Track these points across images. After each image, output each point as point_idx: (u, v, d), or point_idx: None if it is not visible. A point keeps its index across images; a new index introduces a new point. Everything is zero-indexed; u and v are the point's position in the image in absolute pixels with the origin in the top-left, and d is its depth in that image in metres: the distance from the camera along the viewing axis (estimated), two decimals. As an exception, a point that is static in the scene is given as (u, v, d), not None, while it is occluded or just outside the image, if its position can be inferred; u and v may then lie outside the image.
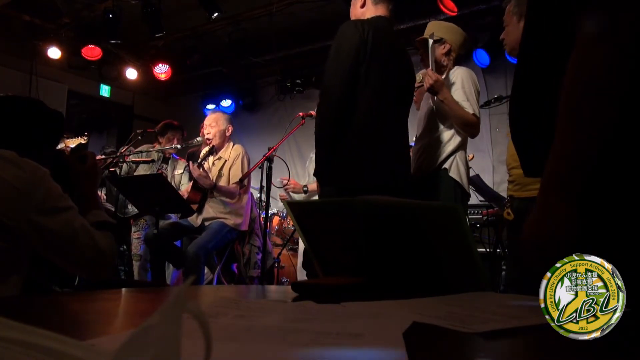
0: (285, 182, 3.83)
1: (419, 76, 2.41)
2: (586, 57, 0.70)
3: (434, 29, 2.45)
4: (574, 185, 0.69)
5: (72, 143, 4.01)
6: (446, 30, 2.45)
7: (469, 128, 2.28)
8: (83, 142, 4.07)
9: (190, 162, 3.53)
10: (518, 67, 0.89)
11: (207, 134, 3.62)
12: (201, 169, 3.47)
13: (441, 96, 2.24)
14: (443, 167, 2.31)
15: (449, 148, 2.32)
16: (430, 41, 2.33)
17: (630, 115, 0.69)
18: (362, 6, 2.14)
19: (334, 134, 1.95)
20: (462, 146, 2.37)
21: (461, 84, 2.30)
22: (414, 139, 2.51)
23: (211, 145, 3.60)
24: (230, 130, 3.73)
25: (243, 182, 3.51)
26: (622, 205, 0.72)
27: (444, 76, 2.36)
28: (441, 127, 2.36)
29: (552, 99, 0.72)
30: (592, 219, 0.70)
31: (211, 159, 3.66)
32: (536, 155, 0.75)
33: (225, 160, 3.65)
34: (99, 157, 3.76)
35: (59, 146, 3.72)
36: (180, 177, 4.04)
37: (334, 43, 2.02)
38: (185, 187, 3.81)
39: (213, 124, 3.63)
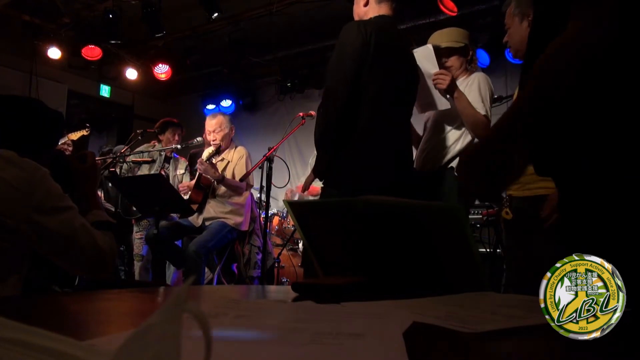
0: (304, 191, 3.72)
1: None
2: (568, 40, 0.74)
3: (454, 37, 2.47)
4: (516, 131, 0.79)
5: (75, 136, 4.00)
6: (465, 36, 2.48)
7: (478, 129, 2.30)
8: (85, 133, 4.06)
9: (198, 160, 3.54)
10: (525, 66, 0.90)
11: (214, 139, 3.62)
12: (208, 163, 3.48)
13: (456, 94, 2.27)
14: (449, 166, 2.33)
15: (456, 147, 2.35)
16: (429, 46, 2.36)
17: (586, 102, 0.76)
18: (365, 5, 2.13)
19: (338, 136, 1.94)
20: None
21: (478, 86, 2.35)
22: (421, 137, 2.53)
23: (217, 147, 3.61)
24: (233, 131, 3.74)
25: (244, 181, 3.51)
26: (605, 204, 0.73)
27: (460, 79, 2.41)
28: (450, 127, 2.39)
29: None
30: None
31: (213, 160, 3.66)
32: (548, 154, 0.78)
33: (229, 162, 3.66)
34: (97, 157, 3.74)
35: (62, 139, 3.72)
36: (182, 177, 4.03)
37: (337, 45, 2.00)
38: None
39: (218, 129, 3.63)
